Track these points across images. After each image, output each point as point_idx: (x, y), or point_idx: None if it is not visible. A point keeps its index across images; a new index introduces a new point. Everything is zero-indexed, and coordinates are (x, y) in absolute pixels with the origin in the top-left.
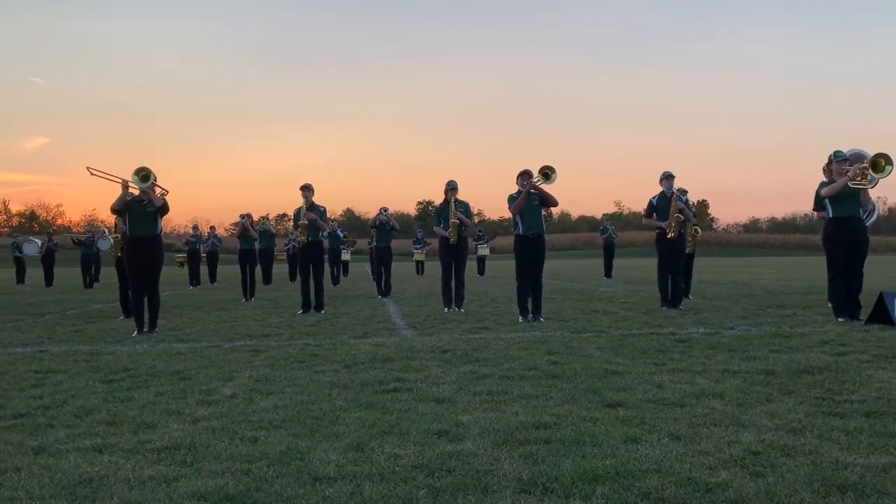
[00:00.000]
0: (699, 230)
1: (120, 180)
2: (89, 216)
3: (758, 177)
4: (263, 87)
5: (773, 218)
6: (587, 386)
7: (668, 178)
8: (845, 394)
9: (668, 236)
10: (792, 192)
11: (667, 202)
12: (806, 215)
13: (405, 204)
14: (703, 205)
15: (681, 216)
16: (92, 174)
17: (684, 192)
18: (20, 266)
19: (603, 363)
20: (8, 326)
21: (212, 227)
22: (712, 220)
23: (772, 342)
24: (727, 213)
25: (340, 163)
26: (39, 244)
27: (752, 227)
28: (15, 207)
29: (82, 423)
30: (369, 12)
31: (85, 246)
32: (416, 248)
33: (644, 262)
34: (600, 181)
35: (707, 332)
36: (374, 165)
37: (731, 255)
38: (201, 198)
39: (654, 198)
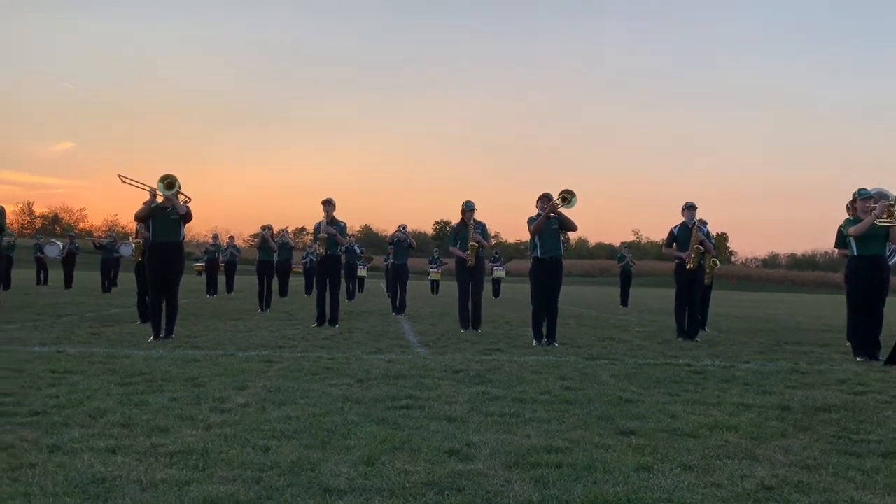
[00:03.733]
0: (717, 262)
1: (148, 188)
2: (111, 221)
3: (778, 212)
4: (288, 101)
5: (792, 254)
6: (600, 412)
7: (690, 208)
8: (862, 433)
9: (688, 267)
10: (812, 229)
11: (687, 232)
12: (826, 253)
13: (422, 222)
14: (722, 237)
15: (701, 247)
16: (123, 182)
17: (704, 223)
18: (41, 267)
19: (617, 391)
20: (27, 326)
21: (231, 237)
22: (731, 253)
23: (788, 378)
24: (746, 247)
25: (360, 179)
26: (61, 246)
27: (771, 262)
28: (39, 210)
29: (97, 423)
30: (394, 31)
31: (105, 250)
32: (432, 268)
33: (661, 292)
34: (619, 209)
35: (722, 365)
36: (393, 183)
37: (749, 290)
38: (222, 208)
39: (675, 228)
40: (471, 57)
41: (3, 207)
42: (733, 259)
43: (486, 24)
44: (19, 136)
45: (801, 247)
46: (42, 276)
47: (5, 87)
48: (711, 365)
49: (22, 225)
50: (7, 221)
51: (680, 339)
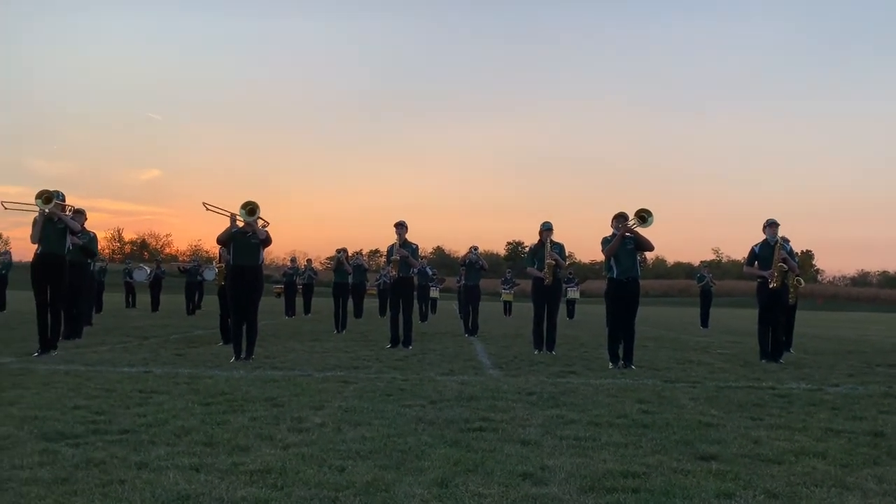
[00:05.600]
0: (802, 281)
1: (229, 214)
2: (195, 246)
3: (868, 228)
4: (360, 126)
5: (884, 271)
6: (679, 437)
7: (771, 225)
8: None
9: (770, 286)
10: None
11: (769, 250)
12: None
13: (495, 244)
14: (807, 255)
15: (784, 265)
16: (207, 209)
17: (787, 240)
18: (130, 291)
19: (696, 415)
20: (117, 347)
21: (308, 260)
22: (817, 272)
23: (881, 402)
24: (834, 265)
25: (432, 201)
26: (148, 271)
27: (861, 280)
28: (128, 236)
29: (181, 442)
30: (463, 54)
31: (189, 274)
32: (505, 289)
33: (743, 313)
34: (698, 227)
35: (809, 389)
36: (464, 205)
37: (838, 310)
38: (299, 232)
39: (756, 245)
40: (544, 77)
41: (95, 234)
42: (820, 278)
43: (557, 43)
44: (111, 166)
45: (893, 264)
46: (131, 299)
47: (98, 118)
48: (797, 388)
49: (112, 251)
50: (98, 247)
51: (763, 361)
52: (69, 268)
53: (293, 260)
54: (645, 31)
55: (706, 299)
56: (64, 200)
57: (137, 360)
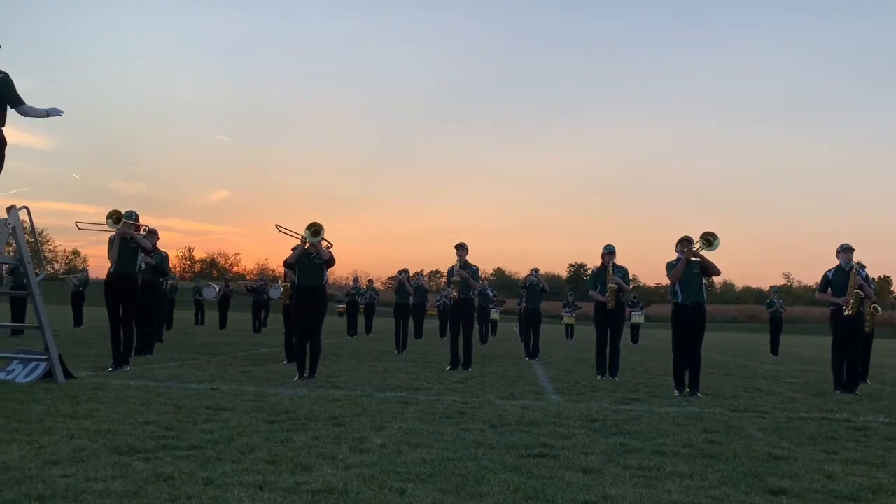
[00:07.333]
0: (879, 308)
1: (300, 237)
2: (262, 265)
3: None
4: (421, 148)
5: None
6: (747, 469)
7: (846, 250)
8: None
9: (846, 313)
10: None
11: (844, 276)
12: None
13: (556, 266)
14: (884, 281)
15: (860, 292)
16: (280, 231)
17: (862, 266)
18: (199, 308)
19: (766, 446)
20: (186, 364)
21: (370, 281)
22: None
23: None
24: None
25: (493, 222)
26: (217, 289)
27: None
28: (198, 255)
29: (246, 459)
30: (526, 75)
31: (256, 293)
32: (567, 312)
33: (815, 341)
34: (768, 251)
35: (888, 422)
36: (526, 226)
37: None
38: (362, 252)
39: (829, 271)
40: (607, 95)
41: (167, 254)
42: None
43: (624, 65)
44: (183, 187)
45: None
46: (200, 316)
47: (172, 141)
48: (875, 421)
49: (183, 269)
50: (170, 266)
51: (837, 391)
52: (141, 286)
53: (356, 280)
54: (716, 52)
55: (776, 326)
56: (137, 220)
57: (205, 376)
